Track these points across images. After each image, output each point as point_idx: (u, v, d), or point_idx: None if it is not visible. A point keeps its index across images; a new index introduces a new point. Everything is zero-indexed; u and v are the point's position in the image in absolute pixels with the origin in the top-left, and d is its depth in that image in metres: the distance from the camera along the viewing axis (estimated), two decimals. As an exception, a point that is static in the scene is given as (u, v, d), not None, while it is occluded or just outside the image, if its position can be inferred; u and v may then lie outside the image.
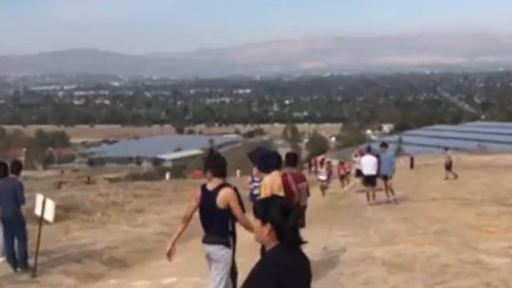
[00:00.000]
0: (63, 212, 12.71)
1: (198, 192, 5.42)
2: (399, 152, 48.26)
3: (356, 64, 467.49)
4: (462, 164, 31.75)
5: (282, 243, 2.81)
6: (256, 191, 13.90)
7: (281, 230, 2.80)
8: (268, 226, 2.81)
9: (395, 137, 73.97)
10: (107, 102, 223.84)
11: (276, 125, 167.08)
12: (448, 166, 23.17)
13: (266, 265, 2.80)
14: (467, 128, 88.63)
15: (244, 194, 8.24)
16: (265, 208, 2.83)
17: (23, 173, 9.83)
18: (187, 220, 5.51)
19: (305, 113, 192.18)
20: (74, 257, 9.38)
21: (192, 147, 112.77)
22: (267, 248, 2.86)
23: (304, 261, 2.93)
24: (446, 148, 25.61)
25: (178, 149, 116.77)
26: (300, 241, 2.86)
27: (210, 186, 5.35)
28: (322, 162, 25.89)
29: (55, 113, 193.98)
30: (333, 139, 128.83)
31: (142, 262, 9.73)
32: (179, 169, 65.17)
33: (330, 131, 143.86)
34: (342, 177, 25.46)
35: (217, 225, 5.30)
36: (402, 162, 35.83)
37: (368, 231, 10.85)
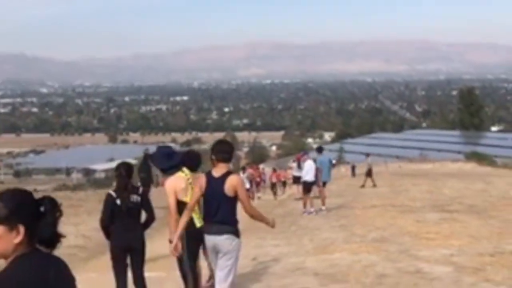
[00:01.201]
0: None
1: (203, 180, 5.01)
2: (340, 161, 48.36)
3: (297, 71, 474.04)
4: (403, 172, 32.05)
5: (34, 246, 2.07)
6: None
7: (37, 229, 2.07)
8: (21, 229, 2.03)
9: (337, 146, 74.45)
10: (35, 109, 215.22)
11: (215, 133, 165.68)
12: (368, 173, 22.81)
13: (17, 282, 1.97)
14: (408, 136, 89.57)
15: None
16: (12, 208, 2.03)
17: None
18: (191, 210, 5.19)
19: (245, 121, 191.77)
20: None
21: (126, 157, 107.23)
22: (8, 260, 2.05)
23: (63, 265, 2.15)
24: (367, 155, 25.26)
25: (111, 159, 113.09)
26: (59, 236, 2.12)
27: (216, 173, 4.96)
28: (243, 168, 23.54)
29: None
30: (273, 147, 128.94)
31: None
32: (111, 180, 62.92)
33: (270, 139, 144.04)
34: (274, 186, 24.50)
35: (225, 214, 4.92)
36: (344, 170, 35.86)
37: (302, 239, 10.16)
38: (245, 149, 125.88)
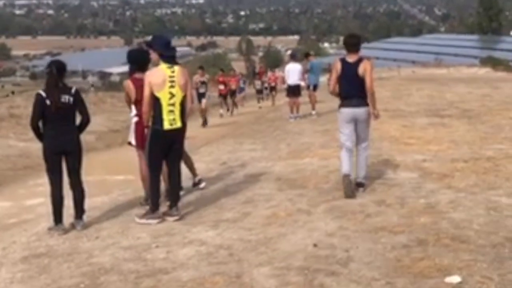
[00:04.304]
0: None
1: (338, 65, 6.07)
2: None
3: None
4: (415, 77, 31.11)
5: None
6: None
7: None
8: None
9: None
10: (50, 12, 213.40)
11: (230, 37, 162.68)
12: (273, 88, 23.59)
13: None
14: (425, 40, 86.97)
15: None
16: None
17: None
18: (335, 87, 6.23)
19: (261, 25, 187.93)
20: None
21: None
22: None
23: None
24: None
25: (126, 62, 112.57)
26: None
27: (351, 59, 6.04)
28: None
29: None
30: (288, 52, 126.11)
31: (17, 180, 8.58)
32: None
33: (286, 44, 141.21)
34: (272, 89, 23.86)
35: (361, 90, 5.99)
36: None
37: (280, 144, 9.89)
38: (260, 54, 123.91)
